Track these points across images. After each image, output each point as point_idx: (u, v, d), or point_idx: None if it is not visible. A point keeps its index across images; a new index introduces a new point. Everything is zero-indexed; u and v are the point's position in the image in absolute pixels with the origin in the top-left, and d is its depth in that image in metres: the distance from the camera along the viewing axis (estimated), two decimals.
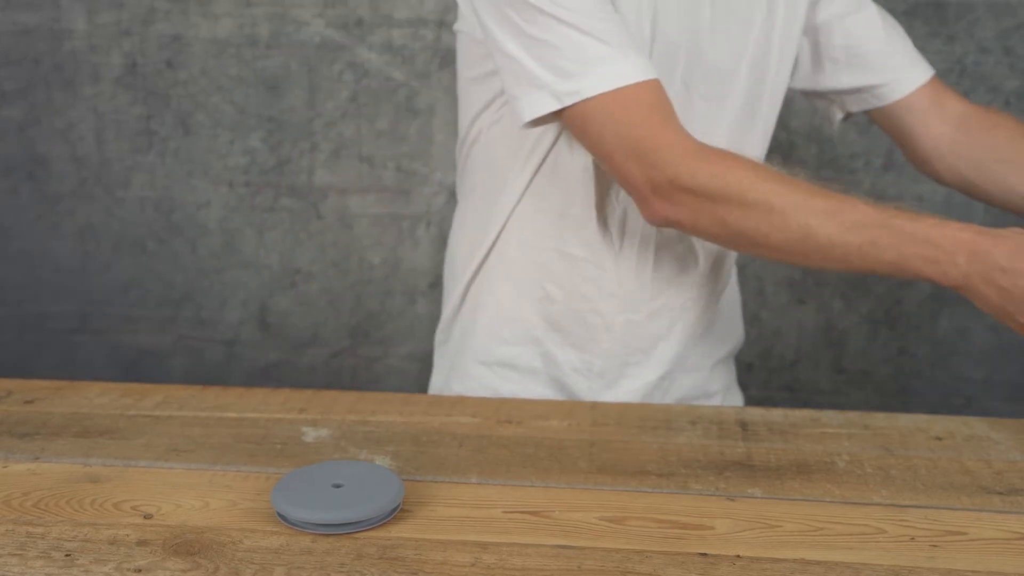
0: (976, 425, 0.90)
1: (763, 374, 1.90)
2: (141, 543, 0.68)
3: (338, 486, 0.72)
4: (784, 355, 1.88)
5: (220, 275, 1.94)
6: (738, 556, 0.68)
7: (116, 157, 1.91)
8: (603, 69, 0.85)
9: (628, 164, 0.86)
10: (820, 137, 1.79)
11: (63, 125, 1.90)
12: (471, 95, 1.02)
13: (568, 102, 0.86)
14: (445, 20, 1.77)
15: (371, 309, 1.91)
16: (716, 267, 1.05)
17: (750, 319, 1.88)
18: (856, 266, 0.84)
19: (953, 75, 1.74)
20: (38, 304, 1.99)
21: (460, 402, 0.94)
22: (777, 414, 0.92)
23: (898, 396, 1.87)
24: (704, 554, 0.68)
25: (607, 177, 0.97)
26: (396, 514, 0.72)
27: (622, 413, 0.91)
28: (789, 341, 1.87)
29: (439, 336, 1.12)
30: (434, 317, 1.65)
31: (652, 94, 0.86)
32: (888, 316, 1.84)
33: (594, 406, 0.93)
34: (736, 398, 1.18)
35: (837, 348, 1.87)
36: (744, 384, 1.97)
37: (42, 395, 0.94)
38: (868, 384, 1.88)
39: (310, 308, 1.94)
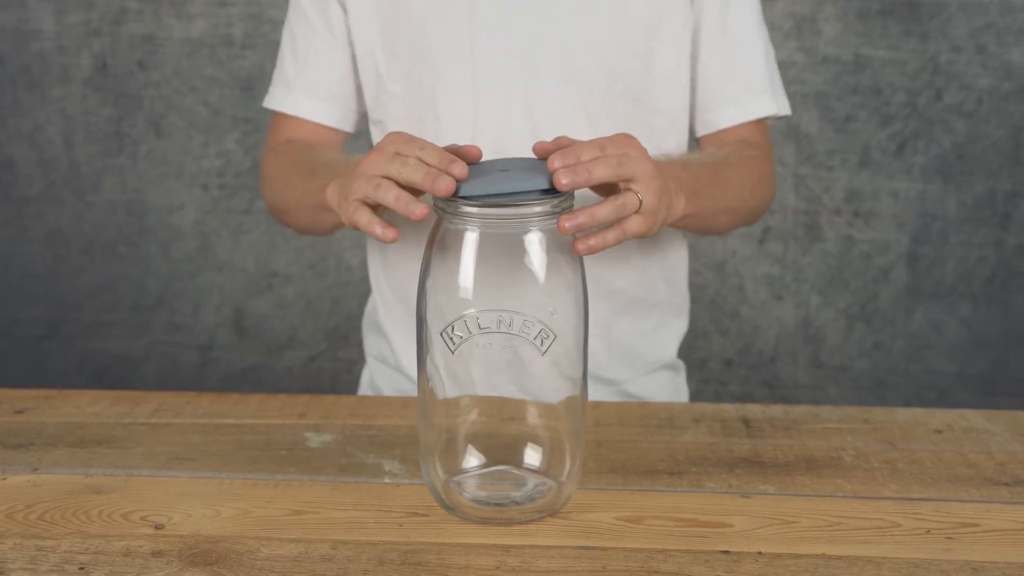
0: (972, 417, 0.91)
1: (742, 370, 1.91)
2: (156, 554, 0.67)
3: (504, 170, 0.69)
4: (763, 351, 1.90)
5: (194, 279, 1.91)
6: (760, 553, 0.68)
7: (86, 160, 1.87)
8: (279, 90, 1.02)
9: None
10: (798, 135, 1.81)
11: (30, 128, 1.86)
12: None
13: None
14: None
15: (349, 312, 1.89)
16: None
17: (730, 315, 1.89)
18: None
19: (926, 73, 1.76)
20: (6, 310, 1.95)
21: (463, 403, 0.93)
22: (777, 410, 0.92)
23: (874, 390, 1.89)
24: (727, 551, 0.68)
25: None
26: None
27: (622, 413, 0.91)
28: (768, 337, 1.89)
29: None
30: None
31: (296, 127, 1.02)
32: (864, 311, 1.87)
33: (596, 406, 0.93)
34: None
35: (815, 344, 1.89)
36: (723, 380, 1.99)
37: (32, 404, 0.92)
38: (845, 379, 1.90)
39: (287, 311, 1.92)
